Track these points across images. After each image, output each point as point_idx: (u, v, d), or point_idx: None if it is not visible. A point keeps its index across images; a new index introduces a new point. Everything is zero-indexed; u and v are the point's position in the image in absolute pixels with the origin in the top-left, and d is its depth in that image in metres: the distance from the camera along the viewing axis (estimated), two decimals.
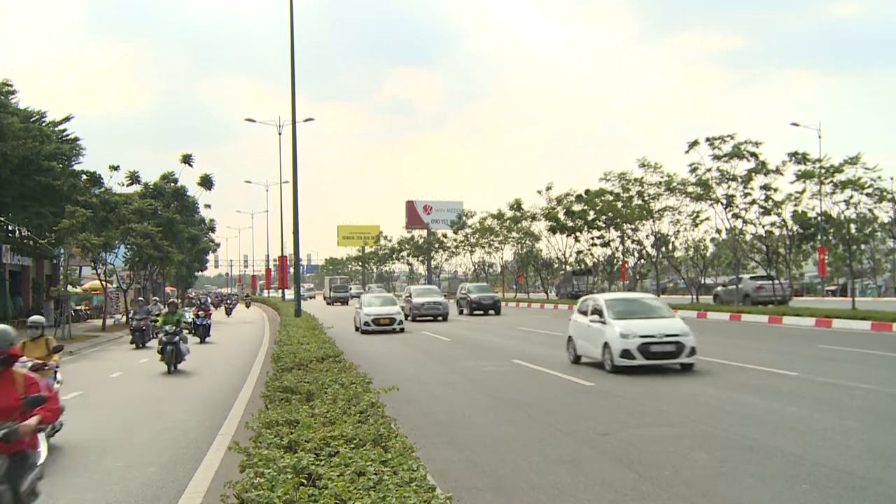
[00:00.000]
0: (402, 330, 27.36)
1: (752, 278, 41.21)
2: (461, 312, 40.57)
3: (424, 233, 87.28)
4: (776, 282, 37.61)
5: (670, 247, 44.87)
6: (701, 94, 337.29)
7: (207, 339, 26.60)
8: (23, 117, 31.21)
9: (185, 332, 18.42)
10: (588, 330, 15.63)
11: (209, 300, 45.37)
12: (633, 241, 47.88)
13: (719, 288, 43.14)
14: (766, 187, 36.55)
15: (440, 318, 33.76)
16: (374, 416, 5.35)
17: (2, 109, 28.32)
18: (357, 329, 28.49)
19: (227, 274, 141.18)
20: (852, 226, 35.57)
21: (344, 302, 64.91)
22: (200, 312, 27.22)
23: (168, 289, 71.03)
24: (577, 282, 55.47)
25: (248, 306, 63.93)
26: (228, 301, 58.58)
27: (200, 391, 14.08)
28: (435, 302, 34.39)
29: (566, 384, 13.16)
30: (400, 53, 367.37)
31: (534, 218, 59.36)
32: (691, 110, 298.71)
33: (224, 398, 12.55)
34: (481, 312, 39.61)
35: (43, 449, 5.29)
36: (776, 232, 38.26)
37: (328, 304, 65.87)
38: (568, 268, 59.51)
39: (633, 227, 46.22)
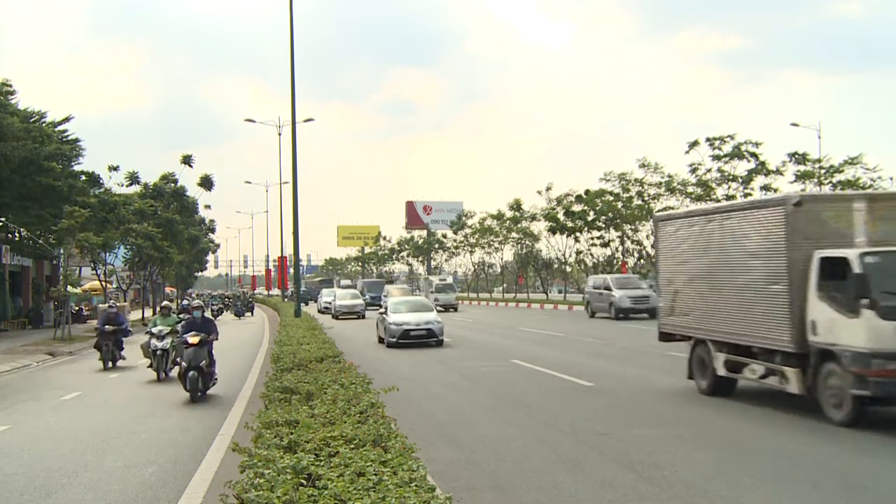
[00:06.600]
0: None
1: None
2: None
3: (424, 233, 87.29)
4: None
5: None
6: (701, 93, 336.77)
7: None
8: (23, 117, 31.15)
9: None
10: None
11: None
12: (632, 242, 47.92)
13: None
14: (766, 188, 36.62)
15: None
16: (374, 416, 5.34)
17: (2, 109, 28.28)
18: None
19: (226, 274, 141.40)
20: None
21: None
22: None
23: (168, 289, 71.01)
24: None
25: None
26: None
27: None
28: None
29: (566, 384, 13.15)
30: (400, 53, 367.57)
31: (534, 218, 59.38)
32: (691, 110, 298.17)
33: (224, 398, 12.55)
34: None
35: None
36: None
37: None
38: (568, 267, 60.21)
39: (632, 227, 46.27)
